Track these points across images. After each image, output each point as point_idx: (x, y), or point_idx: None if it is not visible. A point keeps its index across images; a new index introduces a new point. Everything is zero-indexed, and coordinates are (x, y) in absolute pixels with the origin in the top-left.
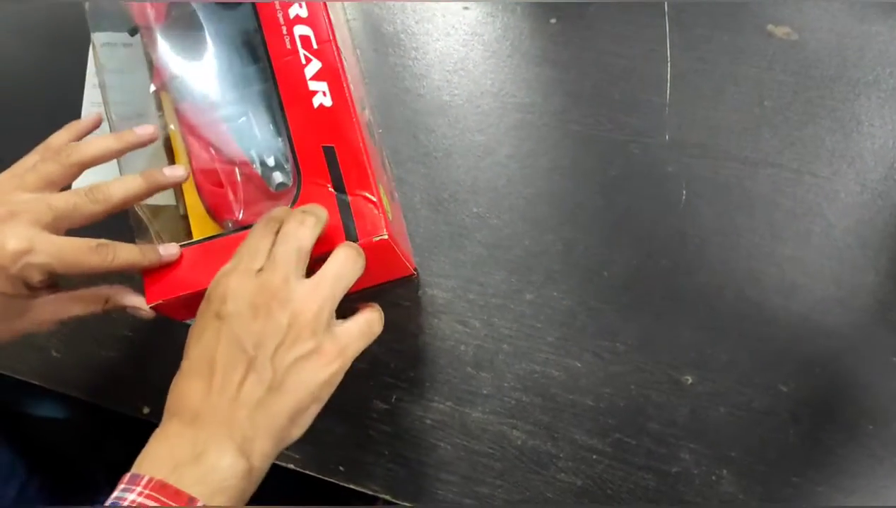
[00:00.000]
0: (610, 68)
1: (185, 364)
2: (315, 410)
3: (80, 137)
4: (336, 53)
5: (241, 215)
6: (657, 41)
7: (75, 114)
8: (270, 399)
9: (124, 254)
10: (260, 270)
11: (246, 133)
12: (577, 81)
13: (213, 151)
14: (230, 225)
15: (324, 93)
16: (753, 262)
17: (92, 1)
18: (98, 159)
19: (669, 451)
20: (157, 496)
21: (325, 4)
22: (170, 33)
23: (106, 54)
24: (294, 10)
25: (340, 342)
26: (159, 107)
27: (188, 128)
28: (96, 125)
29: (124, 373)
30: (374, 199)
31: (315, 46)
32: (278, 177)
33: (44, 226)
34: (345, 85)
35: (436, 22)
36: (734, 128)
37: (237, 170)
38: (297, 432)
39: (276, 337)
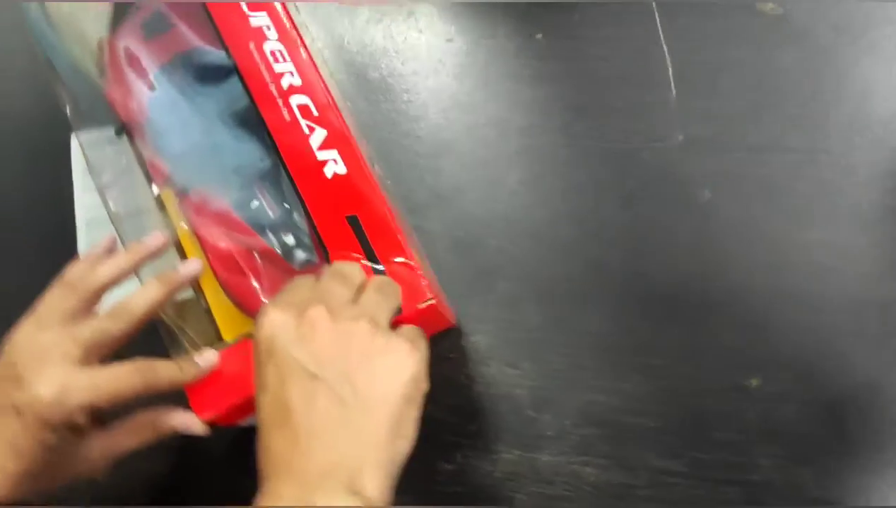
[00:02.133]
0: (605, 75)
1: (259, 418)
2: (413, 415)
3: (96, 265)
4: (339, 117)
5: (268, 301)
6: (648, 39)
7: (68, 223)
8: (360, 417)
9: (164, 371)
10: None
11: (259, 215)
12: (574, 95)
13: (227, 241)
14: None
15: (335, 161)
16: (783, 252)
17: (70, 102)
18: (114, 281)
19: (748, 459)
20: None
21: (315, 66)
22: (157, 126)
23: (94, 154)
24: (287, 81)
25: (406, 336)
26: (162, 207)
27: (197, 222)
28: (110, 249)
29: (176, 483)
30: (413, 264)
31: (316, 114)
32: (301, 254)
33: (75, 362)
34: (356, 149)
35: (422, 60)
36: (744, 116)
37: (256, 254)
38: (405, 445)
39: (339, 348)
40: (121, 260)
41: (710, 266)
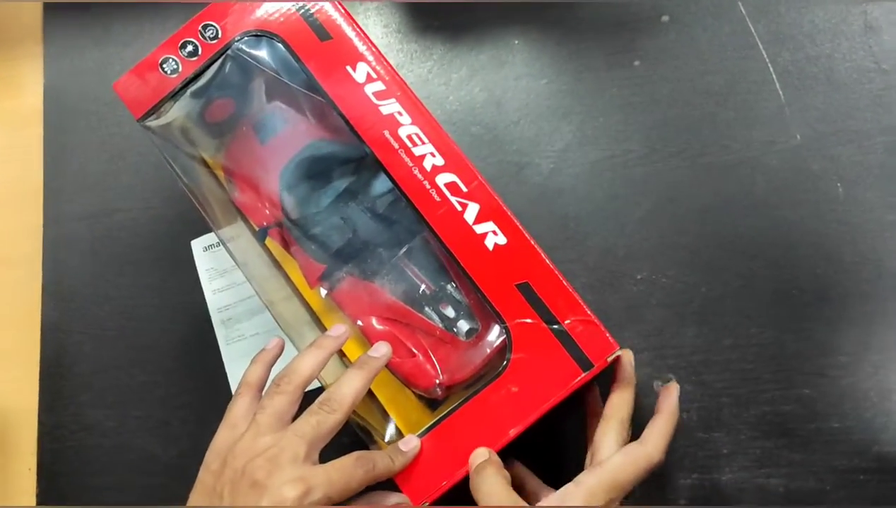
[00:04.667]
0: (711, 89)
1: None
2: None
3: (271, 367)
4: (487, 189)
5: (443, 377)
6: (747, 45)
7: (204, 323)
8: None
9: (380, 461)
10: None
11: (417, 295)
12: (685, 114)
13: (387, 325)
14: (438, 391)
15: (494, 233)
16: None
17: (203, 208)
18: (314, 375)
19: None
20: None
21: (450, 140)
22: (304, 225)
23: (236, 250)
24: (430, 162)
25: None
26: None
27: (354, 310)
28: (280, 350)
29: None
30: (591, 319)
31: (465, 190)
32: (465, 324)
33: (305, 461)
34: (511, 216)
35: (524, 106)
36: (859, 103)
37: (420, 334)
38: None
39: None
40: (315, 354)
41: (868, 256)
